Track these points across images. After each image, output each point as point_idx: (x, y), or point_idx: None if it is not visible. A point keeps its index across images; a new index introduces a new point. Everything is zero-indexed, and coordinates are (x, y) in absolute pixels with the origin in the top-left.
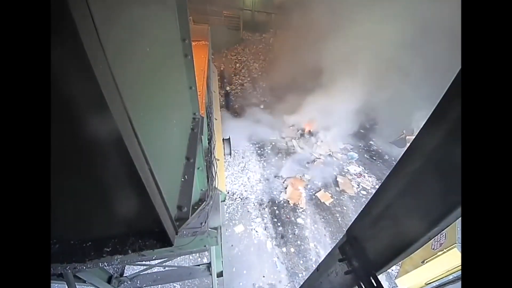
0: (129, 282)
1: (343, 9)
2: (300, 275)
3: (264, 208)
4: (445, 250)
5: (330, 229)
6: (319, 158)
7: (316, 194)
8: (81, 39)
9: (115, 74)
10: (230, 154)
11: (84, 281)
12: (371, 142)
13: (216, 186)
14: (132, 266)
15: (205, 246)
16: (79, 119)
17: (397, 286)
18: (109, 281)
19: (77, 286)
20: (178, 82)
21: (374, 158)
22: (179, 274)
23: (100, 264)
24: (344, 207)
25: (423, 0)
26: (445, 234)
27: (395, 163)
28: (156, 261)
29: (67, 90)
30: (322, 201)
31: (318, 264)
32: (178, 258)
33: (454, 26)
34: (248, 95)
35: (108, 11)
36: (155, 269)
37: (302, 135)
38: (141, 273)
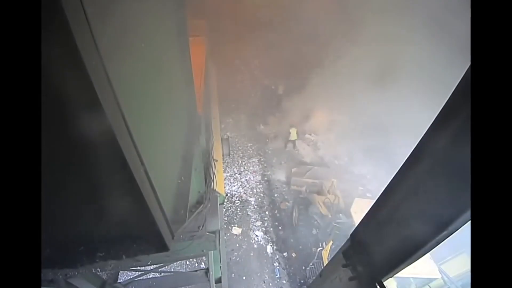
0: None
1: None
2: (302, 281)
3: (264, 211)
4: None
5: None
6: (321, 159)
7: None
8: (72, 33)
9: (109, 70)
10: (229, 155)
11: None
12: (375, 142)
13: (214, 188)
14: (126, 272)
15: (202, 250)
16: (71, 118)
17: None
18: (102, 287)
19: None
20: (174, 79)
21: (380, 158)
22: (175, 280)
23: (92, 269)
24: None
25: None
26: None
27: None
28: (152, 267)
29: (58, 86)
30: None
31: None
32: (175, 263)
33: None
34: None
35: (101, 5)
36: (151, 275)
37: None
38: (136, 279)
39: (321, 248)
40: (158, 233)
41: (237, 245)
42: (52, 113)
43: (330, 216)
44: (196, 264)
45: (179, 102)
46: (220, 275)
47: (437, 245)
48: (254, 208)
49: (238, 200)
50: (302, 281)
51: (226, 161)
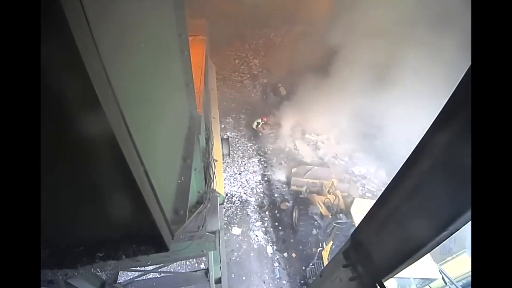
0: None
1: None
2: (302, 281)
3: (264, 211)
4: (454, 256)
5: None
6: (321, 159)
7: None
8: (72, 33)
9: (109, 70)
10: (229, 155)
11: None
12: (376, 142)
13: (214, 188)
14: (126, 272)
15: (202, 251)
16: (71, 118)
17: None
18: (101, 287)
19: None
20: (174, 79)
21: (381, 158)
22: (175, 281)
23: (92, 270)
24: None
25: None
26: (454, 239)
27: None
28: (151, 267)
29: (58, 87)
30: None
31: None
32: (174, 263)
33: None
34: None
35: (101, 5)
36: (150, 275)
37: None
38: (136, 280)
39: (321, 248)
40: (157, 234)
41: (237, 245)
42: (52, 114)
43: (330, 216)
44: (196, 265)
45: (179, 102)
46: (220, 275)
47: (437, 245)
48: (254, 208)
49: (238, 200)
50: (302, 281)
51: (226, 161)
